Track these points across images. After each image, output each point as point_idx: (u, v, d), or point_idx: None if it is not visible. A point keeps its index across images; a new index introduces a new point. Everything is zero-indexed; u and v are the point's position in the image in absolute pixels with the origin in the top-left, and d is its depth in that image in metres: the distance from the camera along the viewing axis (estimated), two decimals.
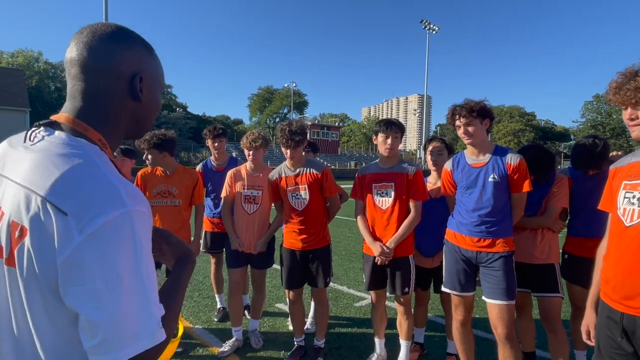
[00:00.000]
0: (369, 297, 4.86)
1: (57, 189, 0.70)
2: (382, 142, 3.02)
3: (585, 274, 2.82)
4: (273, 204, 3.44)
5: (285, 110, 78.58)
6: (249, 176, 3.41)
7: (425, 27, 44.60)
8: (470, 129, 2.59)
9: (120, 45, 0.86)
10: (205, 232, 4.03)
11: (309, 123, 60.76)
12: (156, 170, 3.39)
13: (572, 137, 79.28)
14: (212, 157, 4.13)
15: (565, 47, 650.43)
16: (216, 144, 3.93)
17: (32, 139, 0.80)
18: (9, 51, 53.81)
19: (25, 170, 0.75)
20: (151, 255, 0.76)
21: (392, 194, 2.99)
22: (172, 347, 1.35)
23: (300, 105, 78.66)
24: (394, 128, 2.99)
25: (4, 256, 0.75)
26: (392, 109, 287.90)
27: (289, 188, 3.17)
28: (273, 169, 3.55)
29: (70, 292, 0.68)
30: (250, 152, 3.34)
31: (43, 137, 0.80)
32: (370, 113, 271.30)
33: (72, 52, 0.84)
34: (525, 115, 79.20)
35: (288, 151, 3.11)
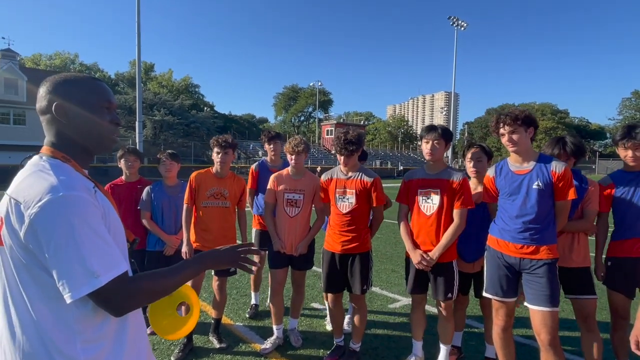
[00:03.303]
0: (402, 299, 4.92)
1: (17, 189, 1.06)
2: (424, 148, 3.09)
3: (628, 278, 2.84)
4: (314, 207, 3.55)
5: (310, 109, 78.93)
6: (291, 180, 3.53)
7: (454, 23, 43.81)
8: (514, 137, 2.61)
9: (45, 89, 1.18)
10: (255, 230, 4.22)
11: (334, 122, 60.76)
12: (209, 172, 3.58)
13: (607, 135, 76.19)
14: (267, 158, 4.34)
15: (601, 41, 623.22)
16: (271, 146, 4.18)
17: (23, 164, 1.19)
18: (48, 54, 56.37)
19: (12, 183, 1.12)
20: (90, 223, 1.04)
21: (437, 200, 3.03)
22: (186, 328, 1.43)
23: (325, 104, 78.77)
24: (433, 133, 3.03)
25: None
26: (417, 106, 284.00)
27: (338, 190, 3.26)
28: (313, 173, 3.66)
29: (40, 257, 1.01)
30: (293, 157, 3.45)
31: (27, 161, 1.19)
32: (395, 111, 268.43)
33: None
34: (558, 113, 76.61)
35: (342, 158, 3.20)
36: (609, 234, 3.06)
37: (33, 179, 1.06)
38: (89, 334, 1.08)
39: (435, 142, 3.02)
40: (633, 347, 1.89)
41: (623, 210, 2.90)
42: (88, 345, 1.07)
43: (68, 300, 1.00)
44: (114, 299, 1.04)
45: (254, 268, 1.36)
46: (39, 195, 1.01)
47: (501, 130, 2.66)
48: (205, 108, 60.72)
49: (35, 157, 1.17)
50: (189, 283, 1.48)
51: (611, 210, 3.00)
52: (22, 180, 1.08)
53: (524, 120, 2.58)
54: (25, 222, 1.00)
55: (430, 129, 3.09)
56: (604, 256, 3.03)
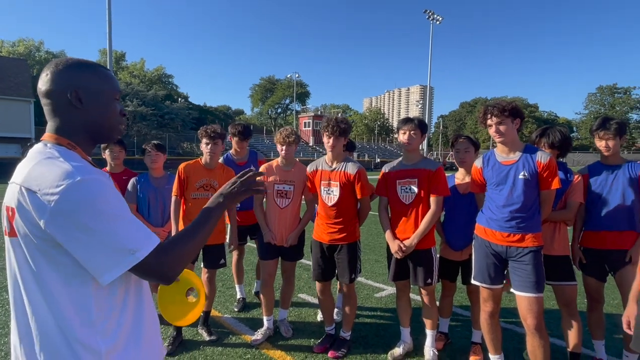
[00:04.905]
0: (388, 288, 5.01)
1: (28, 177, 1.01)
2: (401, 138, 3.19)
3: (600, 265, 3.01)
4: (304, 198, 3.56)
5: (288, 101, 78.39)
6: (281, 171, 3.52)
7: (429, 17, 44.28)
8: (501, 128, 2.68)
9: (55, 72, 1.12)
10: (229, 225, 4.15)
11: (312, 114, 60.63)
12: (198, 164, 3.52)
13: (574, 129, 79.25)
14: (232, 151, 4.25)
15: (569, 39, 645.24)
16: (244, 143, 4.10)
17: (25, 153, 1.14)
18: (10, 40, 53.64)
19: (16, 171, 1.08)
20: (114, 203, 1.03)
21: (415, 189, 3.12)
22: (195, 313, 1.46)
23: (302, 96, 78.39)
24: (410, 124, 3.15)
25: (8, 231, 1.08)
26: (393, 100, 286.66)
27: (323, 182, 3.29)
28: (303, 164, 3.65)
29: (65, 244, 0.98)
30: (283, 148, 3.44)
31: (29, 150, 1.13)
32: (371, 104, 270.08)
33: (38, 86, 1.16)
34: (528, 107, 79.02)
35: (331, 140, 3.18)
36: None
37: (45, 167, 1.02)
38: (110, 323, 1.07)
39: (412, 132, 3.11)
40: (625, 326, 2.00)
41: (594, 202, 3.01)
42: (108, 335, 1.06)
43: (104, 283, 1.01)
44: (158, 269, 1.05)
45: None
46: (56, 181, 0.97)
47: (488, 122, 2.73)
48: (179, 99, 59.26)
49: (39, 145, 1.12)
50: (193, 272, 1.49)
51: None
52: (32, 169, 1.03)
53: (510, 111, 2.66)
54: (46, 210, 0.96)
55: (407, 120, 3.20)
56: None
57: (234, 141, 4.12)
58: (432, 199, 3.10)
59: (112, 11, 23.67)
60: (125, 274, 1.03)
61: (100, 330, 1.05)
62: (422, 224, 3.08)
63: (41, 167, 1.03)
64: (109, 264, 0.99)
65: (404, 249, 3.09)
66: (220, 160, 4.17)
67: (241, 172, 1.34)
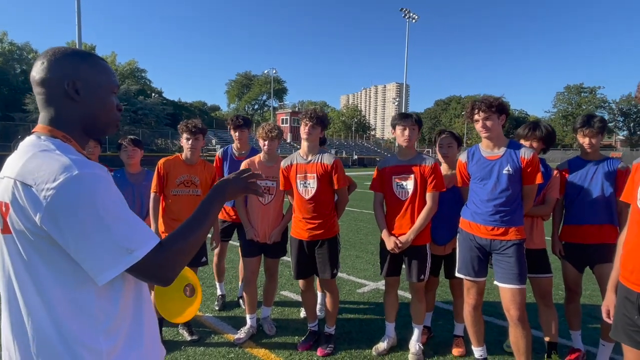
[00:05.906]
0: (370, 284, 5.02)
1: (23, 171, 0.96)
2: (400, 134, 3.14)
3: (581, 257, 3.09)
4: (286, 195, 3.50)
5: (265, 97, 77.75)
6: (264, 167, 3.44)
7: (405, 15, 44.75)
8: (488, 123, 2.71)
9: (53, 59, 1.06)
10: (219, 220, 4.06)
11: (289, 110, 60.38)
12: (178, 159, 3.42)
13: None
14: (234, 145, 4.16)
15: (539, 38, 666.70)
16: (237, 134, 3.99)
17: (16, 146, 1.07)
18: None
19: (8, 165, 1.02)
20: (113, 200, 0.97)
21: (411, 185, 3.10)
22: (193, 309, 1.43)
23: (280, 92, 77.89)
24: (411, 120, 3.12)
25: (1, 228, 1.01)
26: (370, 97, 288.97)
27: (299, 176, 3.22)
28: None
29: (61, 241, 0.93)
30: (266, 143, 3.37)
31: (20, 142, 1.08)
32: (348, 101, 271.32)
33: (31, 74, 1.10)
34: None
35: (307, 127, 3.13)
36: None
37: (40, 160, 0.96)
38: (110, 323, 1.02)
39: (412, 128, 3.09)
40: (604, 315, 2.05)
41: (575, 197, 3.08)
42: (109, 335, 1.02)
43: (100, 283, 0.95)
44: (156, 270, 1.00)
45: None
46: (52, 176, 0.92)
47: (475, 117, 2.75)
48: (153, 94, 57.74)
49: (32, 138, 1.06)
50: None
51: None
52: (27, 162, 0.97)
53: (497, 107, 2.69)
54: (42, 205, 0.91)
55: (405, 115, 3.16)
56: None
57: (232, 132, 4.06)
58: (428, 195, 3.09)
59: (80, 1, 22.78)
60: (124, 272, 0.98)
61: (101, 330, 1.01)
62: (419, 220, 3.07)
63: (37, 160, 0.97)
64: (106, 263, 0.94)
65: (399, 245, 3.08)
66: (220, 151, 4.13)
67: (241, 170, 1.32)
